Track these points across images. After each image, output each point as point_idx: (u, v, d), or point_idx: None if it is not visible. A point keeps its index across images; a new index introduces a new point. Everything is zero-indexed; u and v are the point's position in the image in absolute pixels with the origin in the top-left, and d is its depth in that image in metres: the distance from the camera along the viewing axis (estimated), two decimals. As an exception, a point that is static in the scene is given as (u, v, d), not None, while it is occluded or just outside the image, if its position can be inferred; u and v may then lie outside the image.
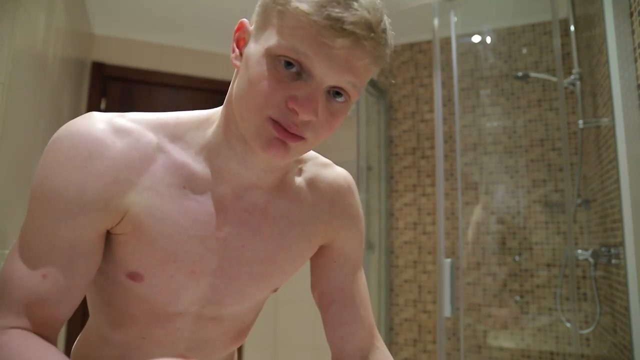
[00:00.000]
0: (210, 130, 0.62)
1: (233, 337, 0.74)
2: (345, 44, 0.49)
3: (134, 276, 0.60)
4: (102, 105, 2.54)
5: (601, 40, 1.56)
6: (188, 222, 0.59)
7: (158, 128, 0.60)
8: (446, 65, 1.96)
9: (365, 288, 0.75)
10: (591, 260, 1.79)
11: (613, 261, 1.57)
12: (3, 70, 1.16)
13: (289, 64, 0.52)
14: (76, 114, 2.34)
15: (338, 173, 0.72)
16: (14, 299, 0.54)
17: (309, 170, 0.70)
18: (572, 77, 2.00)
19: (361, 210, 0.75)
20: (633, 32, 1.25)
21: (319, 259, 0.73)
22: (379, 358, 0.72)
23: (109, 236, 0.60)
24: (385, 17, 0.54)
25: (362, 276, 0.75)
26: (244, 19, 0.58)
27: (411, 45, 2.66)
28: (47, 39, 1.55)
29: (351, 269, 0.73)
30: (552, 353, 2.13)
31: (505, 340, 2.22)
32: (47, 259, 0.55)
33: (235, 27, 0.59)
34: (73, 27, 2.00)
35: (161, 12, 2.35)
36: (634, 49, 1.24)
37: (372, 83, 2.56)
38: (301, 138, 0.54)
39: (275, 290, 0.73)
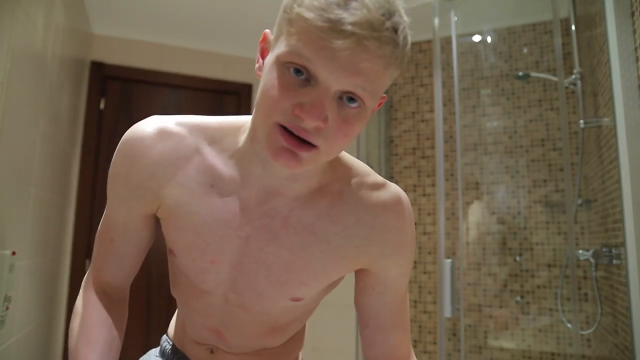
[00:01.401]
0: (243, 136, 0.66)
1: (266, 331, 0.76)
2: (347, 45, 0.49)
3: (171, 252, 0.73)
4: (101, 105, 2.53)
5: (602, 40, 1.55)
6: (211, 217, 0.65)
7: (199, 132, 0.67)
8: (446, 65, 1.96)
9: (405, 316, 0.75)
10: (592, 260, 1.79)
11: (614, 261, 1.56)
12: (2, 69, 1.16)
13: (297, 70, 0.52)
14: (75, 113, 2.34)
15: (388, 197, 0.66)
16: (96, 261, 0.75)
17: (353, 189, 0.66)
18: (573, 76, 2.00)
19: (411, 238, 0.69)
20: (634, 32, 1.25)
21: (360, 280, 0.73)
22: None
23: (158, 218, 0.73)
24: (397, 15, 0.53)
25: (403, 305, 0.74)
26: (267, 30, 0.61)
27: (411, 45, 2.65)
28: (46, 38, 1.55)
29: (390, 299, 0.72)
30: (552, 354, 2.12)
31: (505, 341, 2.22)
32: (112, 229, 0.72)
33: (260, 39, 0.61)
34: (72, 27, 2.00)
35: (161, 11, 2.35)
36: (635, 49, 1.23)
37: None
38: (312, 147, 0.53)
39: (297, 300, 0.70)
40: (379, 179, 0.68)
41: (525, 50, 2.35)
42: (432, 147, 2.52)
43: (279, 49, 0.53)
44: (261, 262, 0.66)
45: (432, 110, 2.55)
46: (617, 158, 1.38)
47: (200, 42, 2.65)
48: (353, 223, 0.65)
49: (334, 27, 0.48)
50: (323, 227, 0.65)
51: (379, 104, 0.61)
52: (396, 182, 2.57)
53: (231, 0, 2.16)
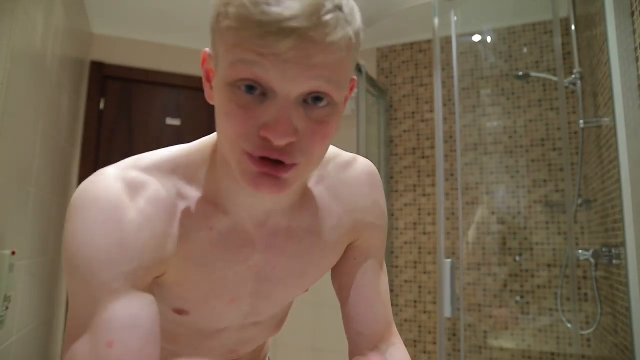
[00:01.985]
0: (217, 167, 0.59)
1: (273, 329, 0.80)
2: (291, 44, 0.42)
3: (180, 312, 0.64)
4: (101, 105, 2.53)
5: (602, 40, 1.55)
6: (221, 262, 0.60)
7: (172, 173, 0.58)
8: (446, 65, 1.95)
9: (385, 286, 0.73)
10: (592, 260, 1.79)
11: (614, 261, 1.56)
12: (2, 69, 1.15)
13: (249, 87, 0.46)
14: (75, 113, 2.34)
15: (360, 170, 0.69)
16: None
17: (331, 175, 0.66)
18: (573, 76, 2.00)
19: (384, 205, 0.72)
20: (634, 32, 1.25)
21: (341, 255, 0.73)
22: (395, 355, 0.70)
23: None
24: None
25: (382, 274, 0.73)
26: (206, 50, 0.53)
27: (411, 45, 2.65)
28: (46, 38, 1.55)
29: (370, 267, 0.71)
30: (552, 354, 2.12)
31: (505, 341, 2.22)
32: (107, 325, 0.48)
33: (201, 60, 0.54)
34: (72, 27, 2.00)
35: (160, 11, 2.35)
36: (635, 49, 1.23)
37: (372, 83, 2.56)
38: (292, 166, 0.48)
39: (305, 292, 0.74)
40: (347, 155, 0.69)
41: (525, 50, 2.35)
42: (432, 147, 2.52)
43: (222, 69, 0.47)
44: (277, 280, 0.65)
45: (432, 110, 2.55)
46: (617, 158, 1.38)
47: (200, 42, 2.65)
48: (342, 207, 0.66)
49: (271, 29, 0.42)
50: (319, 223, 0.65)
51: (351, 89, 0.54)
52: (396, 182, 2.58)
53: None
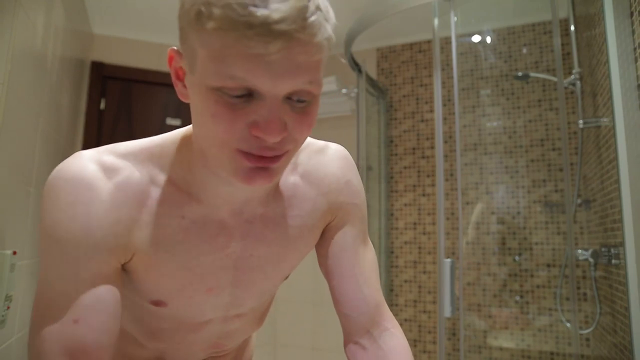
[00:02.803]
0: (190, 158, 0.59)
1: (256, 322, 0.79)
2: (280, 45, 0.43)
3: (157, 303, 0.64)
4: (102, 105, 2.53)
5: (601, 40, 1.55)
6: (195, 249, 0.60)
7: (146, 160, 0.59)
8: (446, 65, 1.96)
9: (369, 263, 0.72)
10: (591, 260, 1.79)
11: (613, 261, 1.57)
12: (2, 70, 1.16)
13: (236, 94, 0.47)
14: (75, 113, 2.34)
15: (331, 155, 0.70)
16: (53, 353, 0.52)
17: (303, 162, 0.68)
18: (572, 77, 2.00)
19: (358, 184, 0.73)
20: (633, 32, 1.25)
21: (320, 238, 0.73)
22: (390, 343, 0.68)
23: (124, 270, 0.60)
24: None
25: (366, 251, 0.73)
26: (173, 48, 0.54)
27: (411, 45, 2.66)
28: (46, 38, 1.55)
29: (351, 245, 0.71)
30: (552, 353, 2.13)
31: (505, 341, 2.22)
32: (74, 304, 0.53)
33: (167, 59, 0.54)
34: (72, 27, 2.00)
35: (161, 11, 2.35)
36: (634, 49, 1.24)
37: (372, 83, 2.56)
38: (281, 155, 0.51)
39: (286, 278, 0.74)
40: (320, 142, 0.71)
41: (524, 50, 2.36)
42: (432, 147, 2.52)
43: (204, 74, 0.47)
44: (255, 267, 0.66)
45: (431, 110, 2.56)
46: (616, 158, 1.39)
47: (200, 42, 2.65)
48: (316, 191, 0.68)
49: (262, 31, 0.43)
50: (295, 208, 0.66)
51: None
52: (396, 182, 2.58)
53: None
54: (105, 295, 0.55)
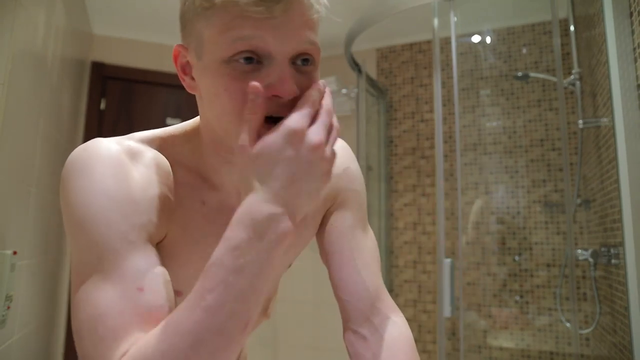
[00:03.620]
0: (200, 147, 0.61)
1: (262, 311, 0.79)
2: (283, 7, 0.48)
3: (176, 293, 0.61)
4: (102, 105, 2.53)
5: (601, 40, 1.56)
6: (213, 237, 0.58)
7: (163, 146, 0.60)
8: (446, 65, 1.96)
9: (369, 250, 0.72)
10: (591, 260, 1.79)
11: (613, 261, 1.57)
12: (3, 70, 1.16)
13: (246, 59, 0.49)
14: (76, 113, 2.34)
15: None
16: (120, 329, 0.46)
17: None
18: (572, 77, 2.00)
19: (358, 171, 0.75)
20: (633, 32, 1.25)
21: (321, 224, 0.73)
22: (392, 332, 0.65)
23: None
24: None
25: (365, 238, 0.72)
26: (178, 44, 0.57)
27: (411, 45, 2.66)
28: (46, 39, 1.55)
29: (350, 230, 0.71)
30: (551, 353, 2.13)
31: (505, 340, 2.22)
32: (132, 273, 0.49)
33: (172, 55, 0.57)
34: (73, 27, 2.00)
35: (161, 12, 2.35)
36: (634, 49, 1.24)
37: (372, 83, 2.56)
38: None
39: (289, 266, 0.76)
40: None
41: (524, 50, 2.36)
42: (432, 147, 2.52)
43: (213, 51, 0.50)
44: None
45: (431, 111, 2.56)
46: (615, 158, 1.39)
47: (200, 42, 2.65)
48: None
49: None
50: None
51: None
52: (395, 182, 2.58)
53: None
54: (159, 263, 0.51)
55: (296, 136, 0.46)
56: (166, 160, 0.59)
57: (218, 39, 0.50)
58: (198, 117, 0.63)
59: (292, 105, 0.50)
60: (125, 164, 0.54)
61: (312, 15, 0.51)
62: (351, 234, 0.71)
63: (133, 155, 0.57)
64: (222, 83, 0.50)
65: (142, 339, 0.45)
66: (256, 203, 0.46)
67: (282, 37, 0.49)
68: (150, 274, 0.49)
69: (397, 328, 0.66)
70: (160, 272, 0.51)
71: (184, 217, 0.58)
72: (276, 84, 0.50)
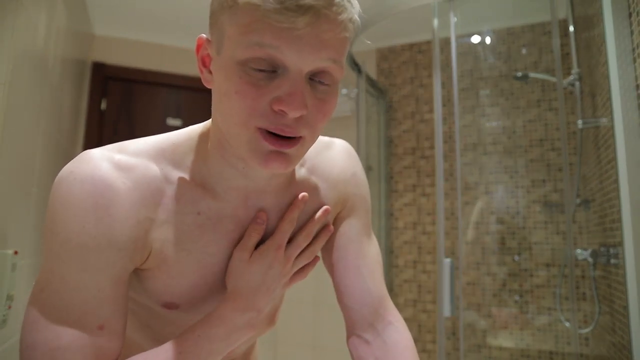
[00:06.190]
0: (207, 151, 0.60)
1: (268, 322, 0.77)
2: (307, 20, 0.46)
3: (169, 305, 0.61)
4: (103, 106, 2.54)
5: (600, 41, 1.56)
6: (210, 247, 0.59)
7: (158, 157, 0.58)
8: (446, 66, 1.96)
9: (373, 257, 0.72)
10: (590, 260, 1.79)
11: (612, 261, 1.57)
12: (4, 70, 1.16)
13: (259, 70, 0.49)
14: (77, 114, 2.35)
15: (337, 149, 0.72)
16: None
17: (311, 157, 0.69)
18: (572, 77, 2.00)
19: (363, 177, 0.75)
20: (632, 33, 1.26)
21: None
22: (393, 337, 0.67)
23: (135, 271, 0.60)
24: None
25: (370, 245, 0.73)
26: (202, 35, 0.56)
27: (411, 46, 2.66)
28: (47, 39, 1.56)
29: (356, 236, 0.71)
30: (551, 352, 2.13)
31: (504, 340, 2.23)
32: (97, 312, 0.52)
33: (196, 45, 0.56)
34: (74, 28, 2.01)
35: (161, 12, 2.36)
36: (633, 49, 1.24)
37: (372, 83, 2.56)
38: (298, 139, 0.52)
39: None
40: (325, 138, 0.73)
41: (524, 50, 2.36)
42: (432, 147, 2.53)
43: (232, 50, 0.49)
44: None
45: (431, 111, 2.56)
46: (615, 158, 1.39)
47: (200, 42, 2.66)
48: (322, 185, 0.68)
49: (290, 6, 0.45)
50: (307, 202, 0.66)
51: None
52: (395, 182, 2.58)
53: (231, 1, 2.16)
54: (122, 299, 0.55)
55: (277, 260, 0.61)
56: (158, 174, 0.57)
57: (238, 38, 0.49)
58: (207, 122, 0.62)
59: (296, 125, 0.50)
60: (111, 188, 0.53)
61: (340, 33, 0.49)
62: (358, 241, 0.71)
63: (122, 171, 0.54)
64: (234, 84, 0.49)
65: None
66: (232, 310, 0.58)
67: (301, 51, 0.47)
68: (112, 313, 0.53)
69: (398, 333, 0.68)
70: (124, 309, 0.55)
71: (173, 231, 0.57)
72: (285, 98, 0.48)
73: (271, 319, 0.79)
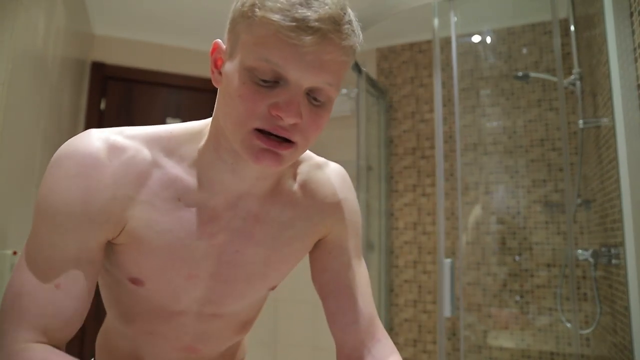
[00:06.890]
0: (202, 143, 0.64)
1: (236, 329, 0.78)
2: (314, 41, 0.51)
3: (135, 281, 0.65)
4: (102, 105, 2.54)
5: (601, 40, 1.56)
6: (183, 232, 0.63)
7: (153, 143, 0.63)
8: (446, 65, 1.96)
9: (364, 279, 0.74)
10: (591, 260, 1.79)
11: (613, 261, 1.57)
12: (3, 70, 1.16)
13: (263, 80, 0.54)
14: (76, 113, 2.34)
15: (330, 171, 0.74)
16: (31, 312, 0.56)
17: (303, 172, 0.71)
18: (572, 77, 2.00)
19: (355, 203, 0.76)
20: (633, 32, 1.25)
21: (316, 251, 0.74)
22: (382, 353, 0.70)
23: (110, 244, 0.64)
24: (349, 10, 0.56)
25: (360, 267, 0.75)
26: (218, 40, 0.61)
27: (411, 45, 2.66)
28: (47, 39, 1.55)
29: (347, 259, 0.73)
30: (552, 353, 2.13)
31: (505, 341, 2.22)
32: (58, 271, 0.57)
33: (210, 49, 0.61)
34: (73, 27, 2.00)
35: (161, 12, 2.35)
36: (634, 49, 1.24)
37: (372, 83, 2.56)
38: (291, 144, 0.56)
39: (273, 288, 0.75)
40: (320, 158, 0.75)
41: (524, 50, 2.36)
42: (432, 147, 2.52)
43: (242, 55, 0.54)
44: (239, 265, 0.67)
45: (431, 111, 2.56)
46: (616, 158, 1.39)
47: (200, 42, 2.65)
48: (311, 202, 0.71)
49: (301, 25, 0.51)
50: (288, 214, 0.68)
51: None
52: (396, 182, 2.58)
53: (231, 1, 2.16)
54: (87, 267, 0.59)
55: None
56: (148, 158, 0.62)
57: (249, 47, 0.54)
58: (207, 119, 0.66)
59: (290, 130, 0.54)
60: (95, 164, 0.58)
61: (340, 57, 0.54)
62: (349, 263, 0.73)
63: (113, 151, 0.60)
64: (239, 88, 0.54)
65: (39, 352, 0.55)
66: None
67: (303, 69, 0.52)
68: (71, 275, 0.58)
69: (387, 349, 0.71)
70: (84, 276, 0.59)
71: (150, 212, 0.61)
72: (282, 106, 0.53)
73: (242, 327, 0.79)
